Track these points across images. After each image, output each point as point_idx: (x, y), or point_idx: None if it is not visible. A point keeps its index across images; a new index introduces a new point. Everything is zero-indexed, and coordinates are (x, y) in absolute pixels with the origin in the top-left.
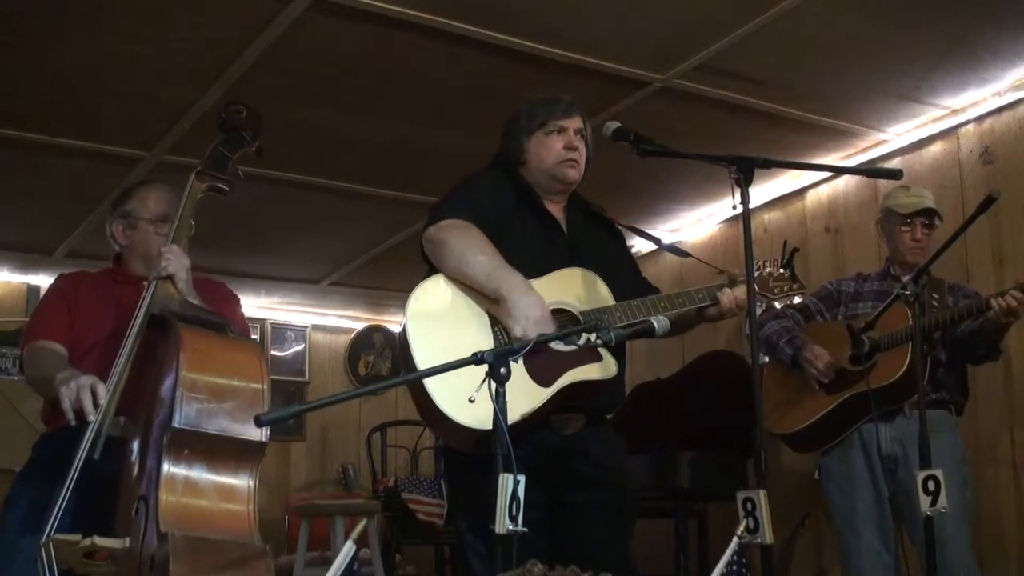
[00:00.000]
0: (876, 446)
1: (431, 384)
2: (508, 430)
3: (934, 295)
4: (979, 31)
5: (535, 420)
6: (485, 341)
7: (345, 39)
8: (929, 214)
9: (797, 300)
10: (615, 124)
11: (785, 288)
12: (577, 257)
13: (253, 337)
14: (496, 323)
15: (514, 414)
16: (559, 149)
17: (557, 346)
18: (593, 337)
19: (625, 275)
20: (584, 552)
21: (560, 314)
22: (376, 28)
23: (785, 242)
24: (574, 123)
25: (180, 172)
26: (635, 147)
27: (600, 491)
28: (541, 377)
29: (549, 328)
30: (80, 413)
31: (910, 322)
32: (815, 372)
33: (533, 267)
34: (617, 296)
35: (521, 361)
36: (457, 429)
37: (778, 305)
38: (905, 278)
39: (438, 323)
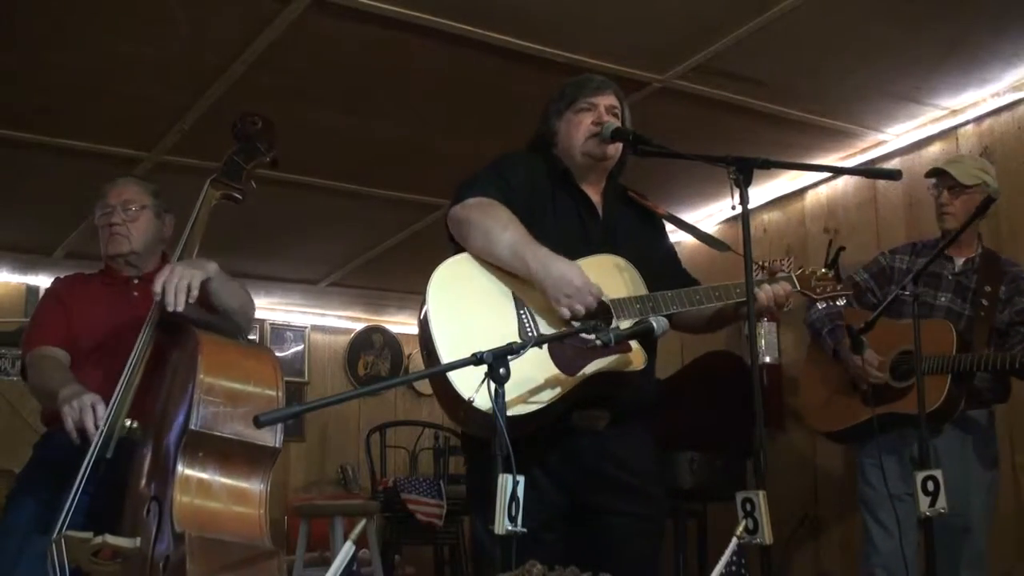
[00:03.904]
0: (909, 449)
1: (442, 350)
2: (526, 424)
3: (986, 287)
4: (978, 32)
5: (560, 409)
6: (509, 323)
7: (345, 39)
8: (942, 175)
9: (840, 302)
10: (614, 124)
11: (828, 288)
12: (612, 243)
13: (252, 337)
14: (521, 305)
15: (538, 402)
16: (588, 125)
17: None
18: (592, 338)
19: (662, 265)
20: (606, 563)
21: None
22: (376, 28)
23: (830, 241)
24: (605, 100)
25: (180, 172)
26: (634, 147)
27: (624, 498)
28: (567, 365)
29: (593, 294)
30: (83, 433)
31: (955, 351)
32: (864, 378)
33: (565, 251)
34: (652, 287)
35: (546, 348)
36: (474, 413)
37: (820, 305)
38: (958, 260)
39: (460, 304)
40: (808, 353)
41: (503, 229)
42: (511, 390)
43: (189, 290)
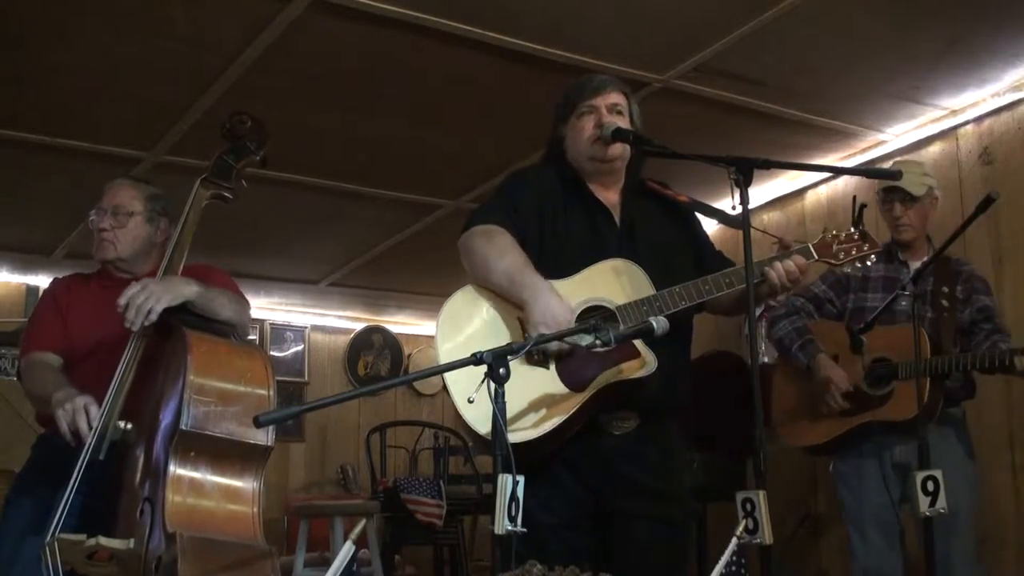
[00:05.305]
0: (890, 454)
1: (456, 394)
2: (532, 450)
3: (943, 288)
4: (978, 32)
5: (574, 427)
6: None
7: (345, 39)
8: (891, 190)
9: (871, 262)
10: (614, 125)
11: (854, 251)
12: (630, 244)
13: (252, 338)
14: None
15: (547, 425)
16: (589, 129)
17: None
18: (592, 339)
19: (690, 256)
20: (631, 568)
21: (595, 311)
22: (376, 28)
23: (855, 198)
24: (605, 99)
25: (179, 172)
26: (634, 148)
27: (648, 502)
28: (574, 382)
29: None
30: (77, 435)
31: (929, 355)
32: (834, 402)
33: (581, 259)
34: (679, 280)
35: (553, 368)
36: (473, 435)
37: (847, 269)
38: (914, 265)
39: (467, 334)
40: (778, 369)
41: (500, 256)
42: (518, 416)
43: (149, 314)
